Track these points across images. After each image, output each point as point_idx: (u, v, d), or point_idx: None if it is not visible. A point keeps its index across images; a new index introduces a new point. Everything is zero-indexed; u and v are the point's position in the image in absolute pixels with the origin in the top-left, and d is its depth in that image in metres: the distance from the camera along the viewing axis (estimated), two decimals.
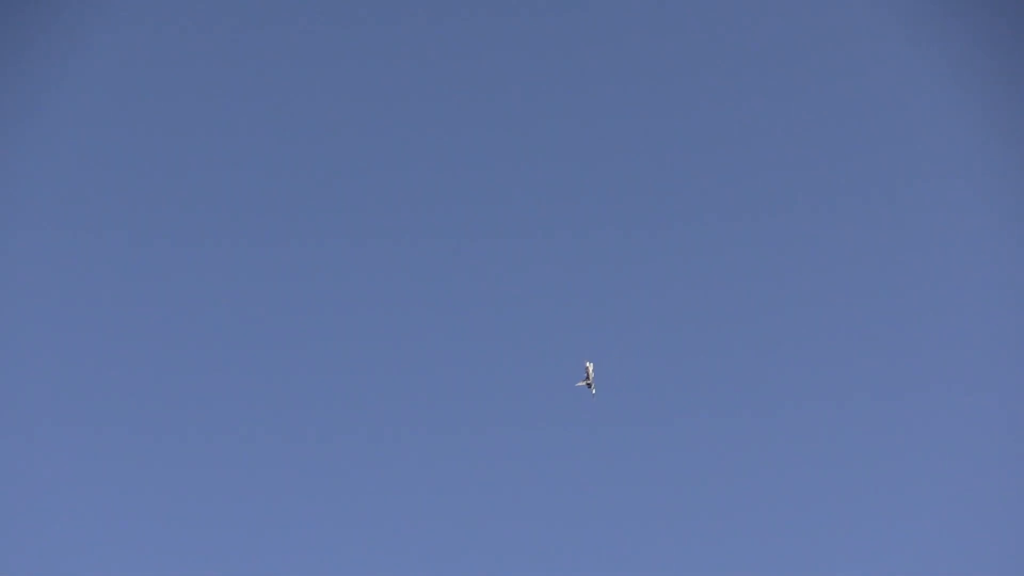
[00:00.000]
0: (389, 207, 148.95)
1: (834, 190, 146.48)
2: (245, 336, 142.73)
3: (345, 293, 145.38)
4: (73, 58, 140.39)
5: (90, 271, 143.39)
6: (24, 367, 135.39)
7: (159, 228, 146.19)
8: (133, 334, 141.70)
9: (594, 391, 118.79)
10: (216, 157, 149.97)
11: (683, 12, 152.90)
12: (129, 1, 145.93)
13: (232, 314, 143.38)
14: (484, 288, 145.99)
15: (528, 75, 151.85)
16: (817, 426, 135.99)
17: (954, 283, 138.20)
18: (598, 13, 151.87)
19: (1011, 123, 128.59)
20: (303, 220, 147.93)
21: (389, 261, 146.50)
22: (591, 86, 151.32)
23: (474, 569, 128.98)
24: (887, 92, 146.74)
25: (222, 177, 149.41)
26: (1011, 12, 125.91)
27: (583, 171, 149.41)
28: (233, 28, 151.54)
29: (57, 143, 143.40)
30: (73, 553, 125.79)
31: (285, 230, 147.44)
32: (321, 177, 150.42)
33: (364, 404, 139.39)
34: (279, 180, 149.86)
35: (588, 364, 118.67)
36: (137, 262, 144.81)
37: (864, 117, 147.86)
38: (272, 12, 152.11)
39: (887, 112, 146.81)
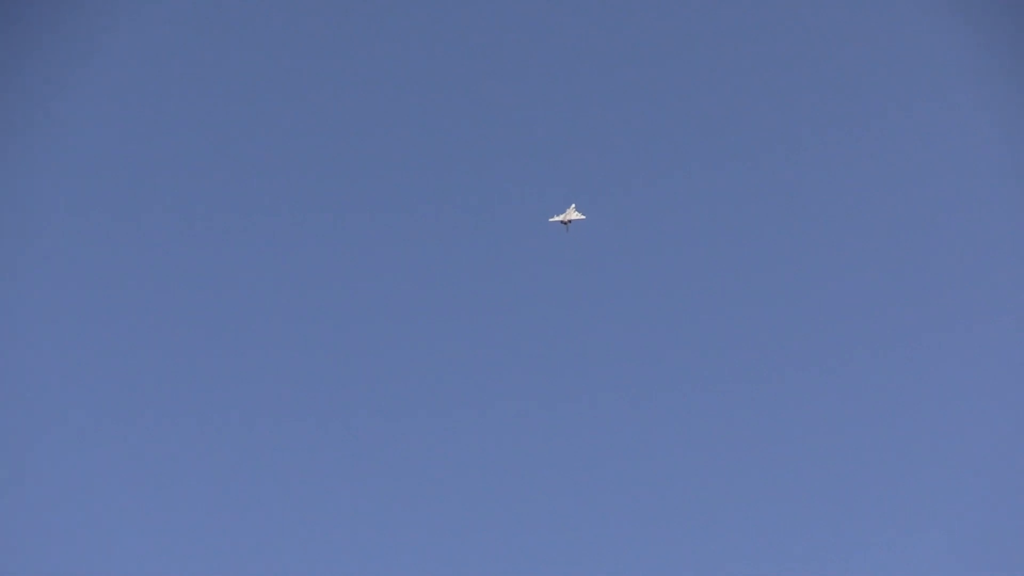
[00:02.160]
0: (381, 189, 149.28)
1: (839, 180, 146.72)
2: (245, 333, 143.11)
3: (343, 284, 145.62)
4: (73, 57, 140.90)
5: (88, 269, 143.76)
6: (27, 363, 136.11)
7: (159, 226, 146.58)
8: (134, 332, 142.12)
9: (567, 225, 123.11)
10: (215, 154, 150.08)
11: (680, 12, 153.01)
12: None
13: (232, 313, 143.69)
14: (480, 285, 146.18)
15: (525, 70, 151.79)
16: (813, 423, 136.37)
17: (954, 284, 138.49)
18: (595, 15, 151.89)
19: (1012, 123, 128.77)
20: (302, 215, 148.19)
21: (386, 254, 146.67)
22: (588, 82, 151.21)
23: (472, 565, 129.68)
24: (888, 91, 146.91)
25: (221, 174, 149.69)
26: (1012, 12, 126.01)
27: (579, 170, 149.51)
28: (230, 25, 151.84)
29: (59, 140, 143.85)
30: (74, 551, 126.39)
31: (284, 226, 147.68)
32: (321, 172, 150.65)
33: (363, 398, 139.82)
34: (277, 177, 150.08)
35: (572, 208, 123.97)
36: (136, 260, 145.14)
37: (863, 117, 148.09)
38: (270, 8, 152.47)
39: (887, 112, 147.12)
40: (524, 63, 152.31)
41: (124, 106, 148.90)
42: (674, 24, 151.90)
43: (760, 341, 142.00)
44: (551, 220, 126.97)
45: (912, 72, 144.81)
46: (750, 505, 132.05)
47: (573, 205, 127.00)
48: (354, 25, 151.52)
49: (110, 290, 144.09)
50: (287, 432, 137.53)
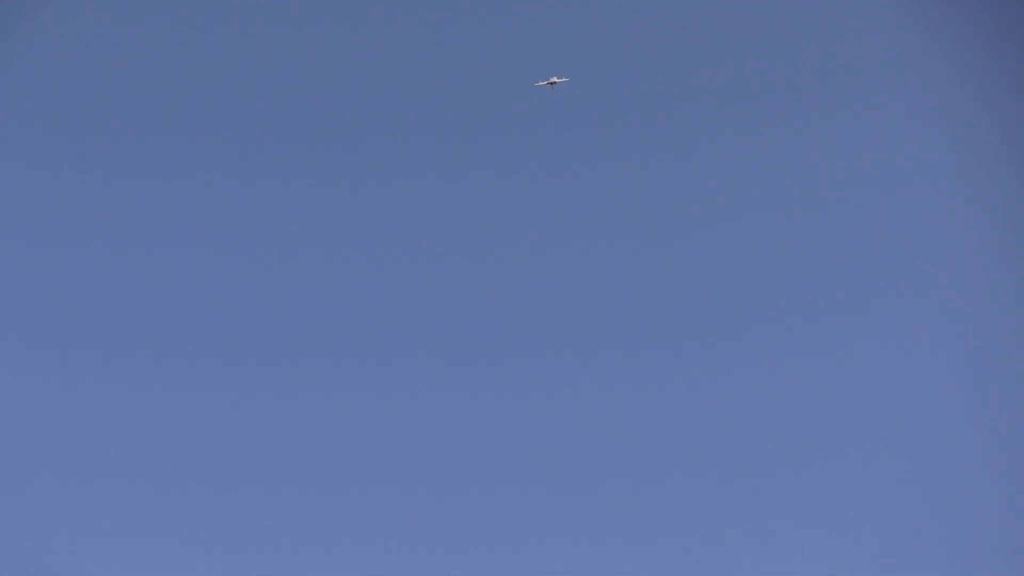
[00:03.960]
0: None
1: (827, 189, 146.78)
2: (241, 332, 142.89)
3: (338, 282, 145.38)
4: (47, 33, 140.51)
5: (80, 264, 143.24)
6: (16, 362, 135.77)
7: (152, 225, 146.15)
8: (126, 330, 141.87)
9: (553, 85, 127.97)
10: (210, 146, 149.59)
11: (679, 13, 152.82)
12: None
13: (228, 310, 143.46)
14: (480, 286, 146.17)
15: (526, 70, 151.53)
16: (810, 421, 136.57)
17: (946, 284, 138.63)
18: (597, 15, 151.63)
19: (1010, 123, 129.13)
20: (298, 210, 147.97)
21: (383, 253, 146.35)
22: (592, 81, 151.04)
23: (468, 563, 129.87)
24: (883, 91, 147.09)
25: (215, 171, 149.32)
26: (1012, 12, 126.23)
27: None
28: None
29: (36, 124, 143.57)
30: (69, 551, 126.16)
31: (280, 224, 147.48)
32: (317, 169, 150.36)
33: (362, 395, 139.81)
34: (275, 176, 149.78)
35: (555, 78, 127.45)
36: (130, 254, 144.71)
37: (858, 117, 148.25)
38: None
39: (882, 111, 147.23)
40: None
41: (108, 88, 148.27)
42: None
43: (748, 346, 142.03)
44: (536, 84, 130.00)
45: (902, 72, 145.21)
46: (740, 503, 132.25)
47: (555, 75, 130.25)
48: None
49: (103, 285, 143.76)
50: (278, 422, 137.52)
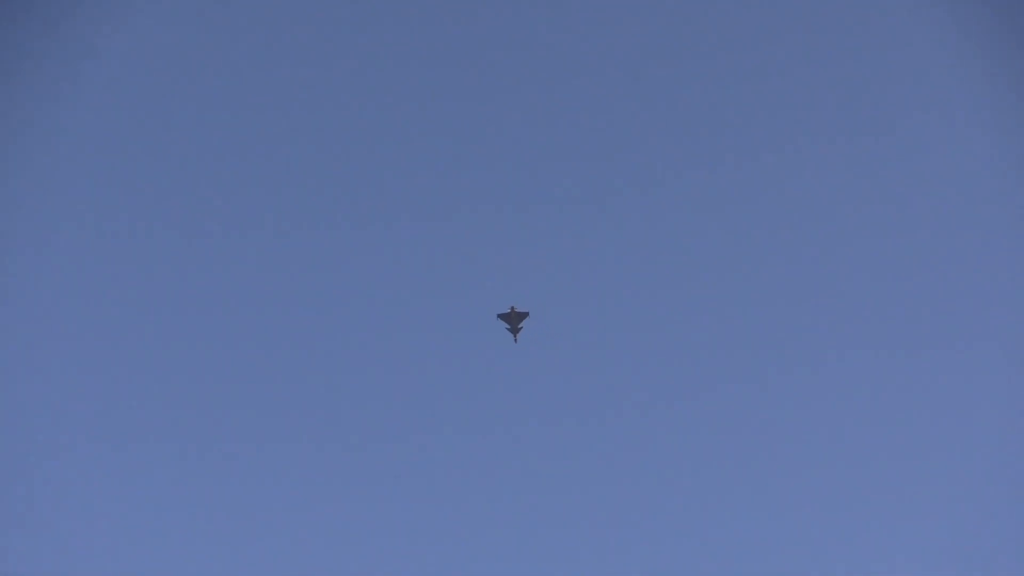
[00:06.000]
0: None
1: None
2: (246, 338, 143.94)
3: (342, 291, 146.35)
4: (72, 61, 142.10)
5: (90, 272, 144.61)
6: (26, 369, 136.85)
7: (156, 231, 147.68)
8: (133, 337, 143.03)
9: (516, 335, 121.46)
10: (213, 157, 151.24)
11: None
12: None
13: (231, 317, 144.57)
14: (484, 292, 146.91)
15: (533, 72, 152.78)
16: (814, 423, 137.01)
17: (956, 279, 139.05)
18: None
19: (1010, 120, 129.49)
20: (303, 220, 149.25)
21: (387, 259, 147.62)
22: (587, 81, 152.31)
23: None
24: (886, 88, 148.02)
25: (218, 178, 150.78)
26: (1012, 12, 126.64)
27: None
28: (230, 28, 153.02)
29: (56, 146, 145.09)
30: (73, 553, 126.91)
31: (285, 231, 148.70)
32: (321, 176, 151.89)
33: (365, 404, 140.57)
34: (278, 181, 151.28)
35: (521, 316, 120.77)
36: (136, 264, 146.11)
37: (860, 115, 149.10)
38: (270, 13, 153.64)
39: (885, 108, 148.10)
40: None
41: (123, 108, 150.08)
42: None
43: (747, 341, 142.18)
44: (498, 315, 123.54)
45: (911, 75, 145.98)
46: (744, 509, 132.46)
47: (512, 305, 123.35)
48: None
49: (111, 295, 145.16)
50: (283, 437, 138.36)
